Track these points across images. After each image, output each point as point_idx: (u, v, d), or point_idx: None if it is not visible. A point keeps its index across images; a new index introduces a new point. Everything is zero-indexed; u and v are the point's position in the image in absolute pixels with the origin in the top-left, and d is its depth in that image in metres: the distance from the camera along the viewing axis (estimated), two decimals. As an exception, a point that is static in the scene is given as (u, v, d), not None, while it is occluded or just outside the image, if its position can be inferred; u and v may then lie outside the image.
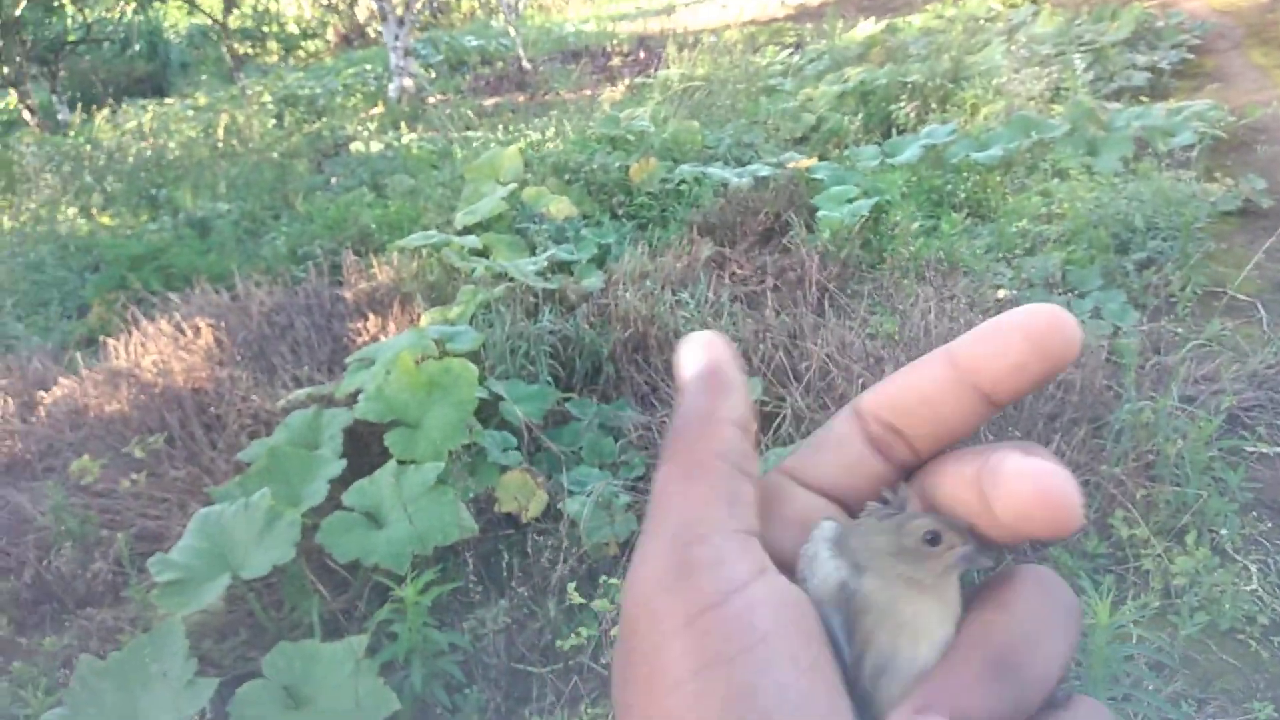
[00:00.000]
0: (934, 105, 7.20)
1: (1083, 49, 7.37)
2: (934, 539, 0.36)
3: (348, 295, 5.13)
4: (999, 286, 4.44)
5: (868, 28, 10.40)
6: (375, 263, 5.21)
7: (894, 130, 6.99)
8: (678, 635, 0.33)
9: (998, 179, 5.44)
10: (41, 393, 4.39)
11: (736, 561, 0.34)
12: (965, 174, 5.58)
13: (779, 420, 3.26)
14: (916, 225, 5.13)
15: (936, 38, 9.18)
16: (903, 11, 12.99)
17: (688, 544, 0.34)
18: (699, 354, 0.40)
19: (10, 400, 4.34)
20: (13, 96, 14.71)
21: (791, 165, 6.34)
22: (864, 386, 3.29)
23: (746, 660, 0.32)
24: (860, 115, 7.31)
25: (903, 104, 7.10)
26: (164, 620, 2.71)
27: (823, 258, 5.20)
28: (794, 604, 0.34)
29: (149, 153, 8.81)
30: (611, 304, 4.36)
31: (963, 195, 5.41)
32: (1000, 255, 4.74)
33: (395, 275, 5.09)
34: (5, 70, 13.82)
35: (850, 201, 5.56)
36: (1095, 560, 2.91)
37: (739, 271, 5.42)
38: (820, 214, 5.50)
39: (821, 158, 6.85)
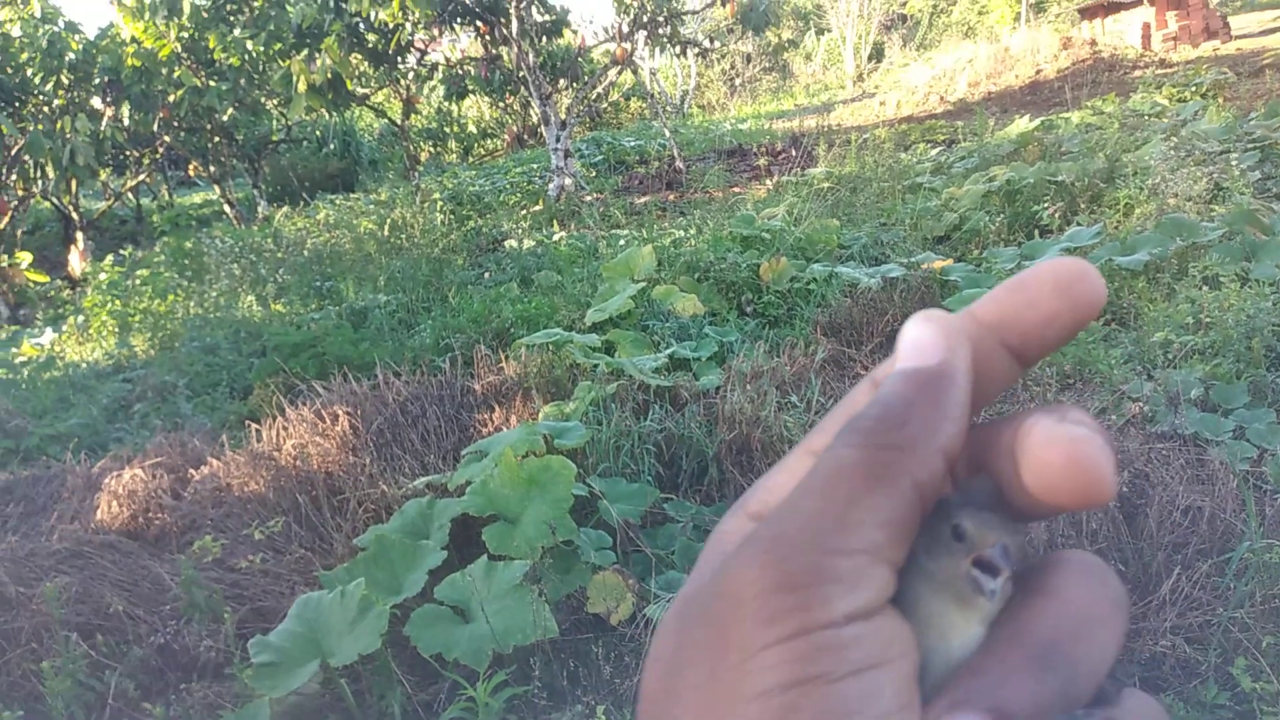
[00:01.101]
0: (1083, 205, 6.94)
1: (1251, 146, 6.96)
2: (960, 535, 0.34)
3: (477, 387, 5.35)
4: (1135, 399, 4.19)
5: (1023, 125, 10.18)
6: (504, 357, 5.41)
7: (1038, 231, 6.77)
8: (783, 643, 0.31)
9: (1142, 284, 5.17)
10: (193, 471, 4.75)
11: (869, 588, 0.32)
12: (1107, 279, 5.33)
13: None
14: (1050, 332, 4.92)
15: (1093, 135, 8.88)
16: (1064, 108, 12.65)
17: (831, 551, 0.32)
18: (935, 342, 0.35)
19: (166, 476, 4.72)
20: (216, 191, 16.32)
21: (925, 266, 6.24)
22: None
23: (850, 686, 0.30)
24: (1004, 215, 7.13)
25: (1047, 204, 6.87)
26: (253, 701, 2.86)
27: (950, 363, 5.06)
28: (904, 641, 0.33)
29: (323, 246, 9.55)
30: (720, 404, 4.37)
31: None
32: (1140, 366, 4.48)
33: (521, 369, 5.27)
34: (212, 168, 15.38)
35: (984, 305, 5.41)
36: (1215, 713, 2.65)
37: (863, 373, 5.33)
38: (951, 317, 5.37)
39: (960, 258, 6.71)
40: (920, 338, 0.35)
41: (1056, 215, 6.78)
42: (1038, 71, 17.84)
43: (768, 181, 11.43)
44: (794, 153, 13.41)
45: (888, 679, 0.31)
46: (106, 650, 3.55)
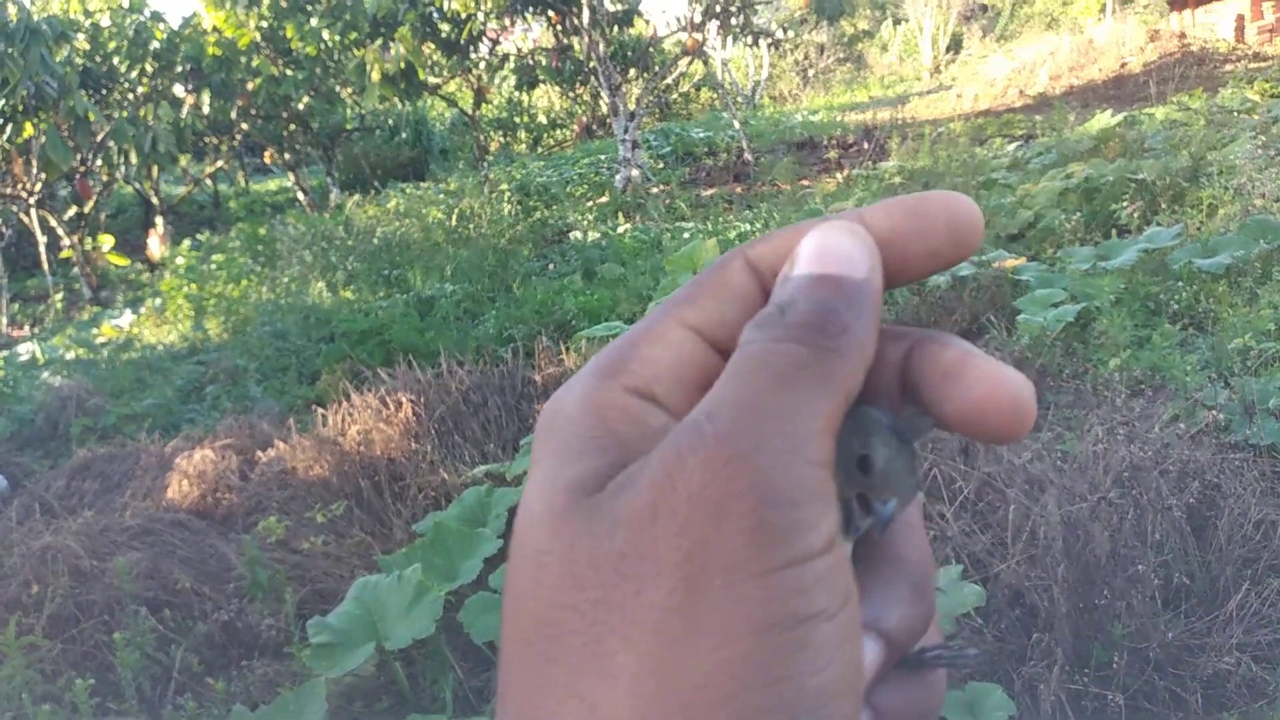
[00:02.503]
0: (1164, 205, 6.71)
1: (1347, 145, 6.67)
2: (865, 469, 0.32)
3: (538, 378, 5.39)
4: (1210, 407, 4.04)
5: (1105, 120, 9.89)
6: (565, 349, 5.45)
7: (1116, 231, 6.57)
8: (773, 573, 0.27)
9: (1222, 289, 4.99)
10: (260, 453, 4.88)
11: (830, 515, 0.29)
12: (1186, 282, 5.15)
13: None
14: (1125, 335, 4.78)
15: (1178, 131, 8.59)
16: (1148, 104, 12.25)
17: (811, 462, 0.28)
18: (862, 255, 0.32)
19: (235, 457, 4.85)
20: (291, 178, 16.70)
21: (996, 265, 6.10)
22: (1019, 513, 3.09)
23: (844, 620, 0.29)
24: (1080, 214, 6.93)
25: (1126, 203, 6.67)
26: (310, 681, 2.92)
27: (1017, 363, 4.95)
28: (849, 572, 0.31)
29: (393, 235, 9.72)
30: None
31: (1181, 305, 4.99)
32: (1216, 373, 4.32)
33: (581, 362, 5.30)
34: (288, 156, 15.74)
35: (1055, 306, 5.28)
36: (1285, 736, 2.55)
37: (928, 373, 5.25)
38: (1021, 317, 5.24)
39: (1034, 257, 6.55)
40: (842, 246, 0.32)
41: (1136, 215, 6.58)
42: (1122, 65, 17.30)
43: (838, 175, 11.29)
44: (866, 146, 13.22)
45: (852, 620, 0.29)
46: (173, 625, 3.67)
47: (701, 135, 17.05)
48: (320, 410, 5.19)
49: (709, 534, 0.27)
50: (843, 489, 0.31)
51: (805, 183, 11.36)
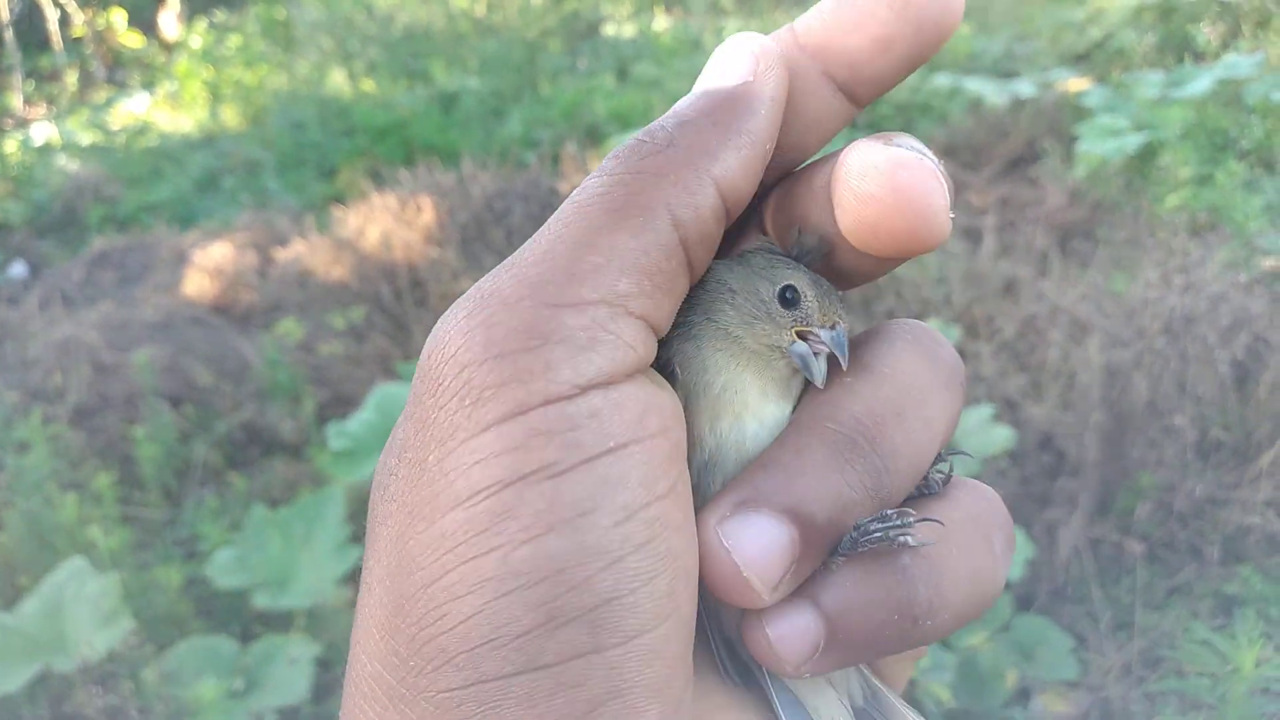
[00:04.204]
0: (1247, 31, 6.21)
1: None
2: (792, 300, 0.29)
3: (564, 188, 5.19)
4: (1269, 254, 3.84)
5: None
6: (589, 158, 5.22)
7: (1191, 57, 6.11)
8: (494, 427, 0.24)
9: (1299, 125, 4.66)
10: (278, 248, 4.78)
11: (609, 349, 0.25)
12: (1261, 117, 4.81)
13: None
14: (1188, 171, 4.50)
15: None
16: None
17: (554, 304, 0.25)
18: (741, 61, 0.28)
19: (253, 254, 4.76)
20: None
21: (1059, 86, 5.73)
22: (1058, 357, 2.97)
23: (582, 476, 0.24)
24: (1155, 35, 6.44)
25: (1206, 26, 6.17)
26: (330, 485, 2.93)
27: (1072, 196, 4.71)
28: (663, 413, 0.26)
29: (415, 22, 9.23)
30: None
31: (1252, 143, 4.68)
32: (1282, 217, 4.09)
33: (610, 171, 5.09)
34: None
35: (1117, 135, 4.96)
36: None
37: (975, 202, 5.02)
38: (1081, 146, 4.95)
39: (1100, 80, 6.14)
40: (727, 56, 0.28)
41: (1215, 39, 6.09)
42: None
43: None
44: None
45: (634, 463, 0.24)
46: (194, 420, 3.69)
47: (748, -74, 15.91)
48: (339, 211, 5.05)
49: (428, 407, 0.26)
50: (774, 336, 0.28)
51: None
